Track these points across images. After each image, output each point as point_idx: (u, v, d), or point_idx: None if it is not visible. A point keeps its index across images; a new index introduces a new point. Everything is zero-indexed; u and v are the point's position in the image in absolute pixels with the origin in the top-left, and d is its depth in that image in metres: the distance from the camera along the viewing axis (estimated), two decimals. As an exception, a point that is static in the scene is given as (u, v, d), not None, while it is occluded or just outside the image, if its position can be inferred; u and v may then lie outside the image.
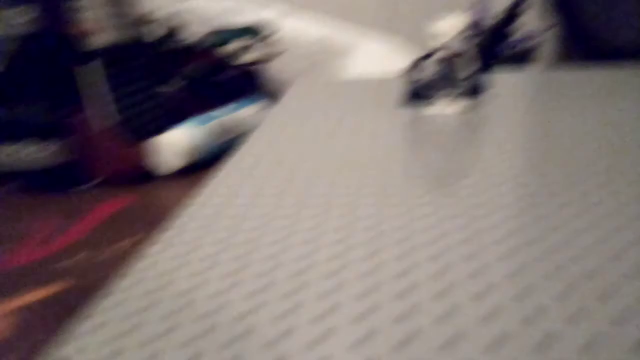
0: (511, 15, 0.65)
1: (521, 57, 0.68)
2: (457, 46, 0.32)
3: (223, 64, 0.58)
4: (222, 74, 0.58)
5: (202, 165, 0.44)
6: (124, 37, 0.46)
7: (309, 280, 0.17)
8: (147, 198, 0.41)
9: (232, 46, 0.56)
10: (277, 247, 0.19)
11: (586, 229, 0.19)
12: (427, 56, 0.32)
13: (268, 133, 0.34)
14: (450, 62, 0.32)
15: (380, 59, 0.66)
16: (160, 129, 0.46)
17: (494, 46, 0.65)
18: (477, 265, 0.17)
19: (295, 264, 0.18)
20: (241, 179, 0.27)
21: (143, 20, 0.50)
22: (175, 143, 0.44)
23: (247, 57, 0.57)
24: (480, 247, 0.18)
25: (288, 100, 0.43)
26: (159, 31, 0.60)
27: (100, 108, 0.43)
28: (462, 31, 0.31)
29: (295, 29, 0.68)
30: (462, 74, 0.33)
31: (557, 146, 0.28)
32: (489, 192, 0.23)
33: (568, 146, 0.28)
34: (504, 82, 0.42)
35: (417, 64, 0.33)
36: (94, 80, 0.42)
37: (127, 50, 0.47)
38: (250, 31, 0.56)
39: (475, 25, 0.67)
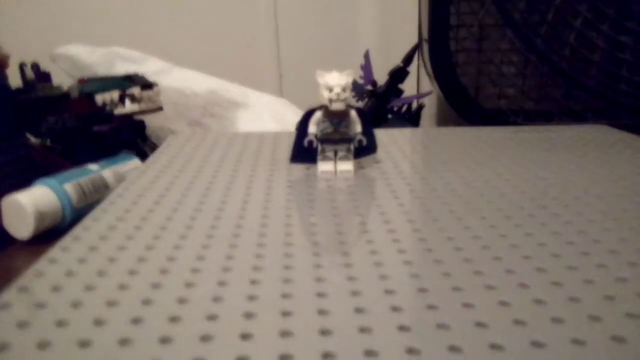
0: (396, 76, 0.68)
1: (407, 118, 0.70)
2: (346, 101, 0.31)
3: (99, 114, 0.53)
4: (97, 125, 0.53)
5: (67, 230, 0.38)
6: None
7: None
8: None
9: (109, 95, 0.51)
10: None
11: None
12: (319, 108, 0.31)
13: (134, 188, 0.30)
14: (343, 115, 0.31)
15: (271, 116, 0.64)
16: (19, 186, 0.39)
17: (382, 106, 0.67)
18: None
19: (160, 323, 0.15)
20: (97, 240, 0.23)
21: (1, 65, 0.45)
22: (33, 204, 0.37)
23: (126, 109, 0.53)
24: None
25: (163, 153, 0.39)
26: (23, 77, 0.54)
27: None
28: (350, 86, 0.30)
29: (180, 83, 0.65)
30: (354, 130, 0.32)
31: (447, 196, 0.27)
32: (389, 249, 0.21)
33: (462, 196, 0.27)
34: (393, 139, 0.42)
35: (308, 117, 0.31)
36: None
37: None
38: (128, 80, 0.52)
39: (358, 85, 0.69)
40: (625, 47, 0.59)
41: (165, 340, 0.15)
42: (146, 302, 0.17)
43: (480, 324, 0.15)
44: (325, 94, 0.30)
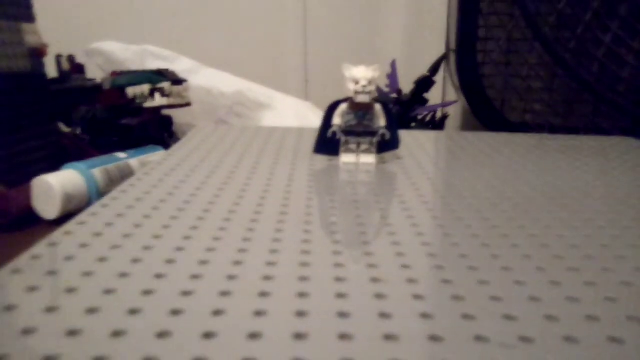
0: (422, 85, 0.68)
1: (430, 127, 0.70)
2: (372, 96, 0.31)
3: (129, 107, 0.54)
4: (125, 118, 0.54)
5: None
6: (10, 66, 0.42)
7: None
8: (16, 248, 0.36)
9: (140, 89, 0.53)
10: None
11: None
12: (344, 101, 0.31)
13: (156, 174, 0.30)
14: (367, 109, 0.31)
15: (294, 118, 0.65)
16: (49, 170, 0.40)
17: (406, 113, 0.67)
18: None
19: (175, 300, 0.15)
20: (116, 215, 0.23)
21: (39, 52, 0.46)
22: (61, 185, 0.39)
23: (155, 102, 0.54)
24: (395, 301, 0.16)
25: (186, 144, 0.40)
26: (59, 67, 0.56)
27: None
28: (376, 80, 0.30)
29: (208, 82, 0.66)
30: (377, 124, 0.32)
31: (471, 195, 0.27)
32: (412, 241, 0.21)
33: (483, 194, 0.27)
34: (416, 139, 0.42)
35: (333, 108, 0.31)
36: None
37: (14, 82, 0.42)
38: (159, 75, 0.53)
39: (384, 93, 0.69)
40: (655, 64, 0.58)
41: (164, 335, 0.14)
42: (159, 275, 0.18)
43: (508, 317, 0.15)
44: (351, 86, 0.30)
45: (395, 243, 0.21)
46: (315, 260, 0.19)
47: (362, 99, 0.30)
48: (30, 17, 0.45)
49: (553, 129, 0.64)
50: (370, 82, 0.30)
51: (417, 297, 0.16)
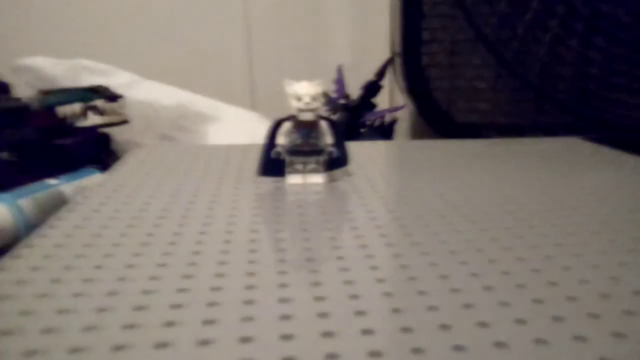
0: (369, 90, 0.67)
1: (379, 131, 0.70)
2: (318, 112, 0.30)
3: (62, 127, 0.51)
4: (60, 138, 0.51)
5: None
6: None
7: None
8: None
9: (72, 108, 0.49)
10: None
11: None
12: (288, 119, 0.30)
13: (93, 200, 0.28)
14: (313, 126, 0.30)
15: (242, 130, 0.63)
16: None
17: (355, 117, 0.66)
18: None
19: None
20: (48, 252, 0.21)
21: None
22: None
23: (92, 121, 0.51)
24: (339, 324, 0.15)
25: (125, 165, 0.37)
26: (-20, 88, 0.52)
27: None
28: (320, 96, 0.29)
29: (148, 95, 0.64)
30: (323, 142, 0.31)
31: (421, 209, 0.26)
32: (360, 265, 0.20)
33: (431, 207, 0.26)
34: (366, 151, 0.41)
35: (277, 128, 0.30)
36: None
37: None
38: (93, 92, 0.50)
39: (332, 99, 0.68)
40: (593, 62, 0.59)
41: (120, 348, 0.14)
42: (100, 310, 0.16)
43: (458, 347, 0.14)
44: (294, 104, 0.29)
45: (343, 269, 0.19)
46: (261, 285, 0.18)
47: (306, 116, 0.29)
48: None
49: (499, 128, 0.64)
50: (314, 99, 0.29)
51: (363, 318, 0.15)
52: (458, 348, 0.14)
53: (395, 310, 0.16)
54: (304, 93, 0.28)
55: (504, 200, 0.28)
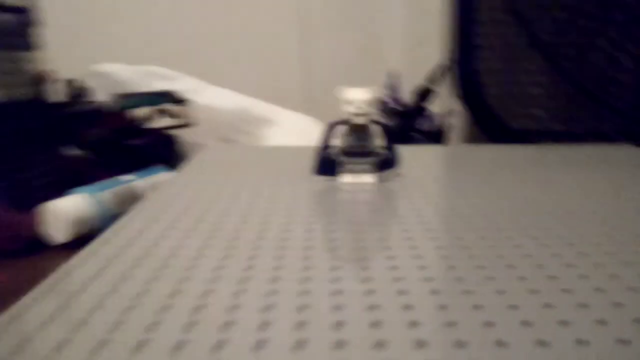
0: (423, 96, 0.69)
1: (433, 138, 0.71)
2: (370, 116, 0.32)
3: (134, 128, 0.56)
4: (132, 139, 0.55)
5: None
6: (11, 95, 0.43)
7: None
8: (28, 271, 0.37)
9: (144, 111, 0.54)
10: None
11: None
12: (341, 122, 0.32)
13: (164, 197, 0.31)
14: (365, 130, 0.32)
15: (298, 134, 0.66)
16: (57, 194, 0.42)
17: (408, 123, 0.68)
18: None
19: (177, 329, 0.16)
20: (125, 243, 0.24)
21: (40, 79, 0.47)
22: (69, 210, 0.40)
23: (160, 123, 0.55)
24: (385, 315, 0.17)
25: (192, 165, 0.41)
26: (65, 92, 0.57)
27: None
28: (374, 102, 0.31)
29: (212, 100, 0.67)
30: (376, 144, 0.33)
31: (470, 213, 0.28)
32: (409, 264, 0.22)
33: (480, 212, 0.28)
34: (416, 155, 0.43)
35: (331, 130, 0.32)
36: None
37: (16, 110, 0.44)
38: (163, 97, 0.54)
39: (386, 105, 0.70)
40: (653, 68, 0.58)
41: (180, 347, 0.15)
42: (171, 295, 0.18)
43: (500, 343, 0.16)
44: (348, 109, 0.31)
45: (393, 268, 0.21)
46: (315, 278, 0.20)
47: (359, 120, 0.31)
48: (28, 46, 0.46)
49: (555, 135, 0.64)
50: (366, 104, 0.31)
51: (413, 324, 0.17)
52: (500, 344, 0.15)
53: (442, 307, 0.18)
54: (357, 99, 0.31)
55: (554, 206, 0.29)
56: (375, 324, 0.17)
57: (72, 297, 0.19)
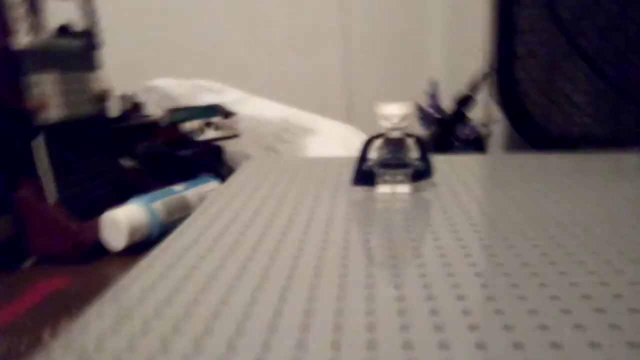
0: (463, 104, 0.69)
1: (473, 145, 0.71)
2: (406, 129, 0.33)
3: (184, 140, 0.59)
4: (182, 150, 0.59)
5: (155, 243, 0.43)
6: (78, 112, 0.47)
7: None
8: (89, 277, 0.40)
9: (193, 124, 0.57)
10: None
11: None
12: (378, 136, 0.34)
13: (214, 208, 0.34)
14: (400, 143, 0.34)
15: (339, 142, 0.68)
16: (115, 204, 0.45)
17: (448, 130, 0.69)
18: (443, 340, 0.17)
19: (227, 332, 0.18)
20: (180, 253, 0.26)
21: (102, 97, 0.51)
22: (124, 219, 0.43)
23: (208, 135, 0.58)
24: (443, 321, 0.18)
25: (239, 176, 0.43)
26: (120, 107, 0.61)
27: (43, 184, 0.42)
28: (410, 114, 0.33)
29: (255, 111, 0.70)
30: (412, 155, 0.35)
31: (506, 225, 0.29)
32: (442, 271, 0.23)
33: (516, 223, 0.29)
34: (453, 164, 0.44)
35: (368, 144, 0.34)
36: (38, 155, 0.42)
37: (82, 126, 0.47)
38: (211, 110, 0.57)
39: (426, 113, 0.71)
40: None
41: None
42: (222, 303, 0.21)
43: (554, 345, 0.17)
44: (384, 124, 0.33)
45: (422, 274, 0.23)
46: (351, 283, 0.21)
47: (395, 134, 0.33)
48: (94, 67, 0.50)
49: (598, 142, 0.63)
50: (401, 119, 0.32)
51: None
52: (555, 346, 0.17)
53: (466, 312, 0.19)
54: (393, 114, 0.32)
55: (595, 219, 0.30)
56: (405, 327, 0.18)
57: (132, 308, 0.21)
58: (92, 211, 0.44)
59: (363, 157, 0.34)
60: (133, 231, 0.43)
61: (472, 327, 0.18)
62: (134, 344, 0.18)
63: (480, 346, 0.17)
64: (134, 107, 0.63)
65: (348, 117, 0.92)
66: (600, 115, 0.64)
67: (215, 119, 0.57)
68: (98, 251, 0.43)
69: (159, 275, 0.24)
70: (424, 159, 0.35)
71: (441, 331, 0.18)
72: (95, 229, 0.44)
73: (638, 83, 0.60)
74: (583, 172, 0.41)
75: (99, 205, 0.45)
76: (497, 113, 0.72)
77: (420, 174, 0.35)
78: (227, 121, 0.58)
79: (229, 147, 0.67)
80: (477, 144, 0.72)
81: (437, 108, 0.72)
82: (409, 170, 0.35)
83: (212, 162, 0.61)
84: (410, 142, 0.34)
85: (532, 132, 0.66)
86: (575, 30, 0.61)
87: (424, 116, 0.72)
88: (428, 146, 0.34)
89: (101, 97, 0.51)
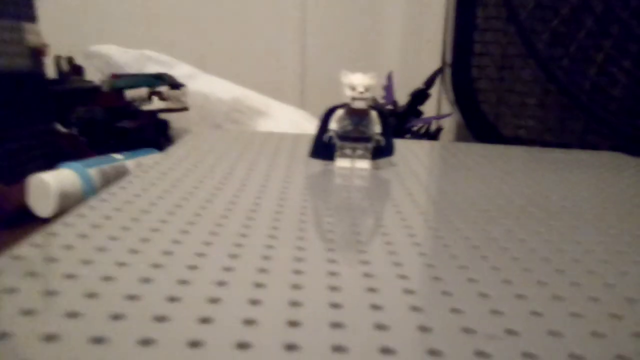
0: (417, 98, 0.69)
1: (425, 138, 0.71)
2: (369, 101, 0.32)
3: (126, 109, 0.55)
4: (123, 121, 0.55)
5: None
6: (10, 65, 0.42)
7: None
8: (9, 243, 0.36)
9: (139, 92, 0.53)
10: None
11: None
12: (341, 106, 0.32)
13: (147, 176, 0.30)
14: (364, 115, 0.32)
15: (290, 126, 0.66)
16: (47, 168, 0.41)
17: (401, 125, 0.68)
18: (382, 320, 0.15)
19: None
20: (113, 209, 0.23)
21: (39, 52, 0.47)
22: (56, 183, 0.39)
23: (153, 106, 0.54)
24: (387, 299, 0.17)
25: (182, 146, 0.40)
26: (58, 68, 0.56)
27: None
28: (372, 87, 0.31)
29: (206, 88, 0.67)
30: (373, 130, 0.33)
31: (459, 204, 0.28)
32: (404, 245, 0.22)
33: (468, 204, 0.28)
34: (410, 148, 0.43)
35: (330, 113, 0.32)
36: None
37: (13, 80, 0.43)
38: (158, 79, 0.54)
39: (381, 106, 0.70)
40: (646, 83, 0.59)
41: (162, 319, 0.14)
42: (145, 280, 0.17)
43: (497, 314, 0.16)
44: (348, 93, 0.31)
45: (388, 243, 0.21)
46: (310, 258, 0.19)
47: (359, 105, 0.31)
48: (31, 17, 0.46)
49: (545, 145, 0.64)
50: (367, 89, 0.31)
51: (408, 291, 0.17)
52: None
53: (446, 293, 0.17)
54: (359, 83, 0.30)
55: (543, 204, 0.30)
56: (375, 307, 0.16)
57: (60, 253, 0.18)
58: (19, 174, 0.40)
59: (323, 128, 0.32)
60: (64, 197, 0.39)
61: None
62: (58, 289, 0.15)
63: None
64: (73, 70, 0.58)
65: (302, 102, 0.90)
66: (548, 119, 0.65)
67: (163, 89, 0.54)
68: (24, 217, 0.39)
69: (79, 234, 0.20)
70: (387, 134, 0.33)
71: (418, 312, 0.16)
72: (21, 193, 0.39)
73: (589, 90, 0.61)
74: (526, 161, 0.41)
75: (27, 168, 0.41)
76: (450, 109, 0.72)
77: (381, 150, 0.34)
78: (176, 92, 0.54)
79: (176, 123, 0.63)
80: (428, 137, 0.71)
81: (391, 100, 0.71)
82: (371, 145, 0.33)
83: (155, 136, 0.58)
84: (373, 115, 0.32)
85: (482, 131, 0.66)
86: (531, 33, 0.62)
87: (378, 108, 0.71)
88: (391, 122, 0.33)
89: (38, 52, 0.47)
